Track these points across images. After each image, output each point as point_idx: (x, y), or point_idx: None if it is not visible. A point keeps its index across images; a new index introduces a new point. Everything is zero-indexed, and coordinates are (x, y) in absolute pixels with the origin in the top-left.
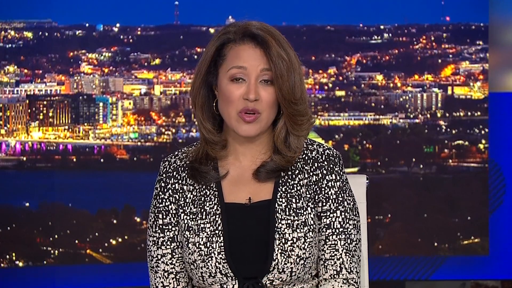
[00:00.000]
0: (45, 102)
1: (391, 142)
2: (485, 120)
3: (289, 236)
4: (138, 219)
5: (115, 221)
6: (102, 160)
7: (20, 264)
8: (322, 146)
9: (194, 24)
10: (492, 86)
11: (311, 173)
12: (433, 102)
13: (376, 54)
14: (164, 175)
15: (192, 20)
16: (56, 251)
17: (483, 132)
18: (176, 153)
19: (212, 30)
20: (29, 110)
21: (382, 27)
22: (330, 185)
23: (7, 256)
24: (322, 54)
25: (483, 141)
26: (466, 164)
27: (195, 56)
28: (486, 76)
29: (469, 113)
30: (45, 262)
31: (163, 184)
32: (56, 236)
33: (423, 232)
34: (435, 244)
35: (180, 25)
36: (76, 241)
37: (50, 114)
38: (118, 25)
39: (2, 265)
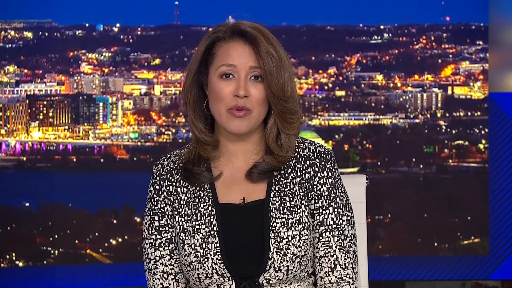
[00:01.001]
0: (45, 102)
1: (391, 142)
2: (485, 120)
3: (284, 234)
4: (138, 219)
5: (115, 221)
6: (102, 160)
7: (20, 264)
8: (313, 144)
9: (194, 24)
10: (492, 86)
11: (303, 171)
12: (433, 102)
13: (376, 54)
14: (157, 178)
15: (192, 20)
16: (56, 251)
17: (483, 132)
18: (169, 155)
19: None
20: (29, 110)
21: (382, 27)
22: (322, 182)
23: (7, 256)
24: (322, 54)
25: (483, 141)
26: (466, 164)
27: None
28: (486, 76)
29: (469, 113)
30: (45, 262)
31: (157, 187)
32: (56, 236)
33: (423, 232)
34: (435, 244)
35: (180, 25)
36: (76, 241)
37: (50, 114)
38: (118, 25)
39: (2, 265)
